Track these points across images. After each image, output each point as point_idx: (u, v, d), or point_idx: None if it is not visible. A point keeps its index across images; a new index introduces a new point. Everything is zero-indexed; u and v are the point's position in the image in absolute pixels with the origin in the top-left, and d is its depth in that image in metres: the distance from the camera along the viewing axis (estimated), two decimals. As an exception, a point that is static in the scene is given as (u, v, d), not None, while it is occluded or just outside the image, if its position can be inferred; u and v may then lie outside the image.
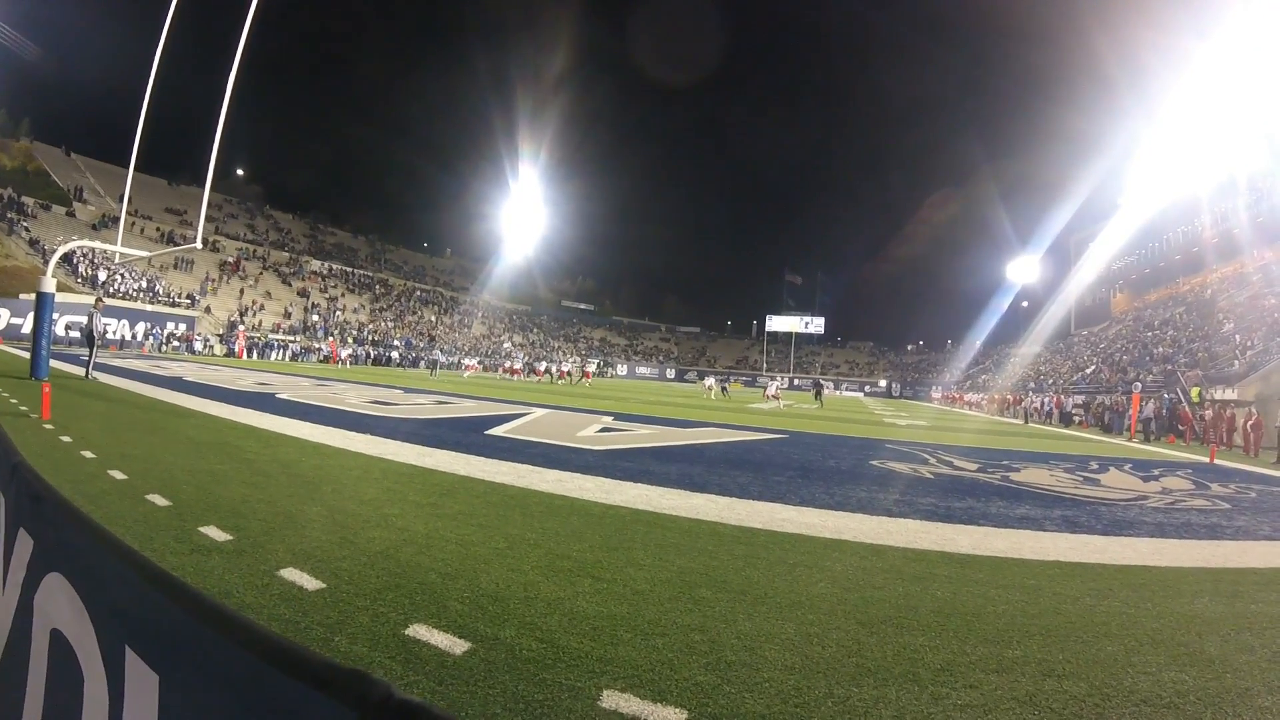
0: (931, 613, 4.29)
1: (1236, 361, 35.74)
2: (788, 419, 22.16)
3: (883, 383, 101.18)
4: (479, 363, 59.62)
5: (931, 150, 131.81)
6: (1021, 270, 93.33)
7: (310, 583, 3.91)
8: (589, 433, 13.29)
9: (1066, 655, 3.79)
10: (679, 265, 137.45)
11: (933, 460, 13.08)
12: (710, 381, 43.69)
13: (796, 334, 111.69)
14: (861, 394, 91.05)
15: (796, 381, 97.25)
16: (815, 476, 9.81)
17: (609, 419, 16.29)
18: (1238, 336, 39.79)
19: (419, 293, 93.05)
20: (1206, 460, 17.88)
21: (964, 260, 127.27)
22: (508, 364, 60.01)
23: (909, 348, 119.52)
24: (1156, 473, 13.83)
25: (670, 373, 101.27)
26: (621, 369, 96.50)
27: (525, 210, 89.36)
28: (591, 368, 47.33)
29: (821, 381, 31.64)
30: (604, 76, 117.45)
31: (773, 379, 47.18)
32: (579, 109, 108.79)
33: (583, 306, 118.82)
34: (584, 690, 2.84)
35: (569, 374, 46.03)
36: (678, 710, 2.71)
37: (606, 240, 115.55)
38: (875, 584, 4.82)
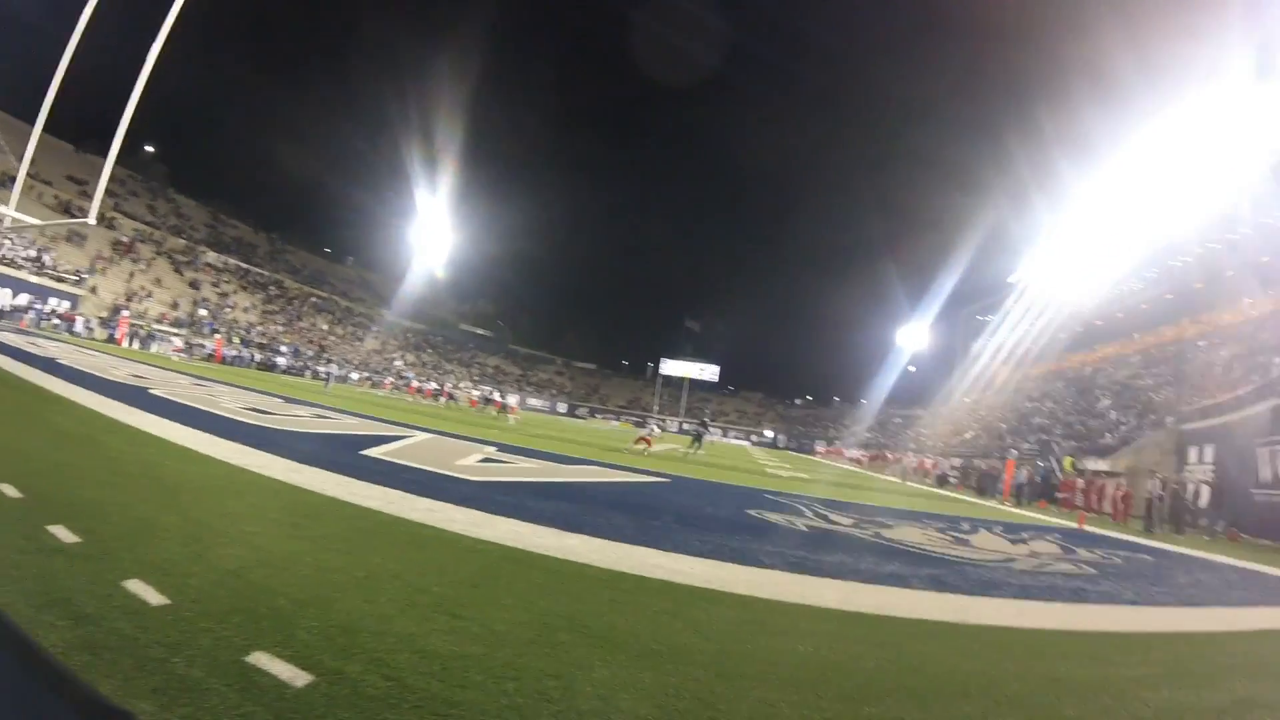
0: (792, 667, 4.31)
1: (1109, 435, 37.88)
2: (671, 463, 22.22)
3: (769, 433, 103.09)
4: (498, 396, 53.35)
5: (829, 217, 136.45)
6: (910, 336, 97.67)
7: (155, 597, 3.71)
8: (469, 462, 12.97)
9: (926, 715, 3.86)
10: (582, 300, 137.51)
11: (809, 513, 13.27)
12: (653, 427, 40.88)
13: (690, 379, 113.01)
14: (748, 443, 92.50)
15: (685, 426, 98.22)
16: (692, 523, 9.80)
17: (492, 449, 15.94)
18: (1113, 413, 42.39)
19: (314, 299, 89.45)
20: (1075, 526, 18.78)
21: (857, 321, 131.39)
22: (418, 384, 57.36)
23: (797, 401, 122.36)
24: (1025, 536, 14.46)
25: (562, 407, 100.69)
26: (512, 399, 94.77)
27: (432, 227, 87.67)
28: (514, 400, 44.53)
29: (708, 423, 30.68)
30: (517, 96, 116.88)
31: (651, 423, 46.62)
32: (489, 127, 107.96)
33: (480, 331, 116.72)
34: None
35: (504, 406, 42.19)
36: None
37: (511, 267, 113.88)
38: (738, 636, 4.82)
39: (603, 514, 9.30)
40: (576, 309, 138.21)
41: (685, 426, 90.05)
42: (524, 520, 7.71)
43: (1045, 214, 69.00)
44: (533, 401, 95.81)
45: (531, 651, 3.82)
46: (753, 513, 12.25)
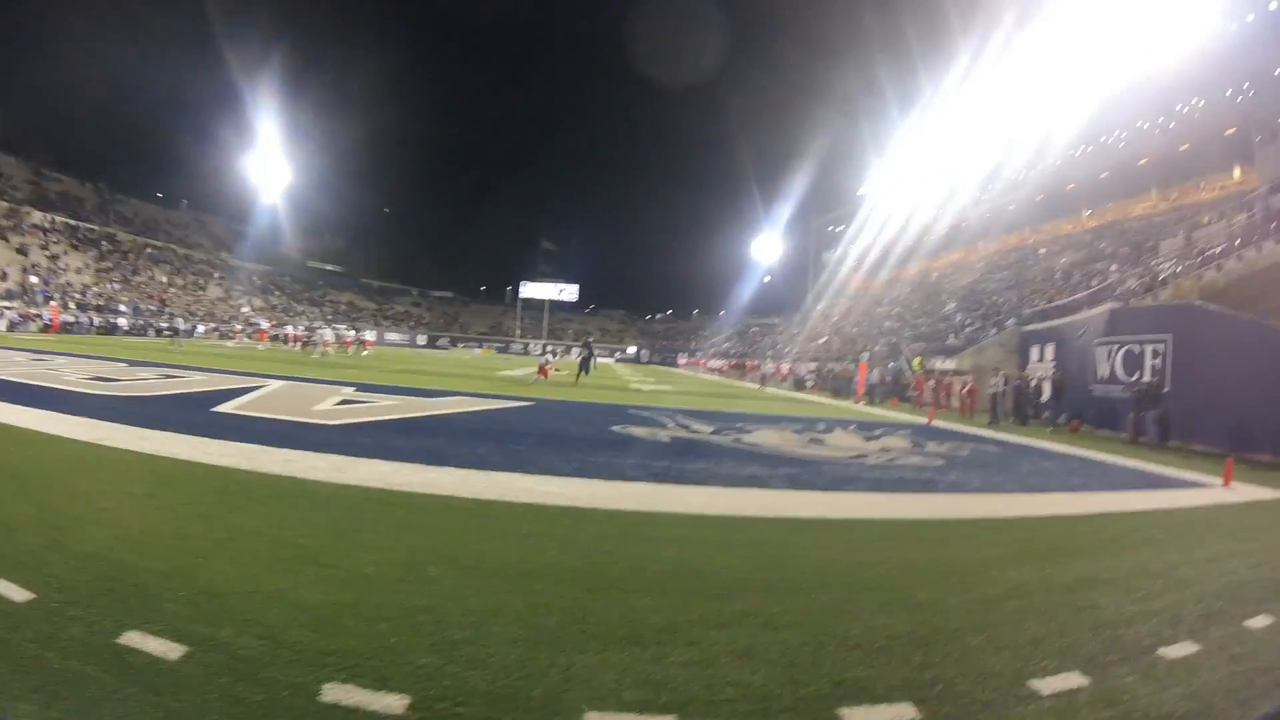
0: (659, 574, 4.40)
1: (954, 337, 39.96)
2: (537, 387, 22.09)
3: (632, 349, 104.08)
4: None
5: (680, 125, 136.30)
6: (765, 248, 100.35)
7: (19, 594, 3.47)
8: (326, 406, 12.42)
9: (785, 606, 3.98)
10: (433, 227, 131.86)
11: (671, 424, 13.48)
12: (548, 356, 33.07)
13: (550, 301, 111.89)
14: (612, 360, 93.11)
15: (549, 346, 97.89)
16: (556, 444, 9.83)
17: (350, 390, 15.34)
18: (959, 316, 44.73)
19: (150, 250, 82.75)
20: (925, 422, 19.69)
21: (712, 234, 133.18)
22: (270, 329, 53.90)
23: (658, 316, 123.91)
24: (878, 433, 15.13)
25: (421, 339, 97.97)
26: (369, 334, 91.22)
27: (268, 161, 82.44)
28: (370, 335, 41.16)
29: (592, 345, 29.50)
30: (348, 20, 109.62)
31: (548, 349, 45.26)
32: (319, 47, 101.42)
33: (330, 267, 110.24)
34: (304, 686, 2.72)
35: (329, 345, 39.14)
36: (400, 696, 2.66)
37: (358, 197, 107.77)
38: (605, 549, 4.89)
39: (466, 445, 9.16)
40: (428, 237, 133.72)
41: (574, 352, 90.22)
42: (387, 459, 7.48)
43: (893, 128, 72.82)
44: (391, 336, 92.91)
45: (402, 590, 3.81)
46: (617, 429, 12.33)
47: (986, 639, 3.79)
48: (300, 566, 4.08)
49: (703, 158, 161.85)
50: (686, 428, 13.14)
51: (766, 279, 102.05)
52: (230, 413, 10.85)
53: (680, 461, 9.01)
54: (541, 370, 25.88)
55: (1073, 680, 3.39)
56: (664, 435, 11.76)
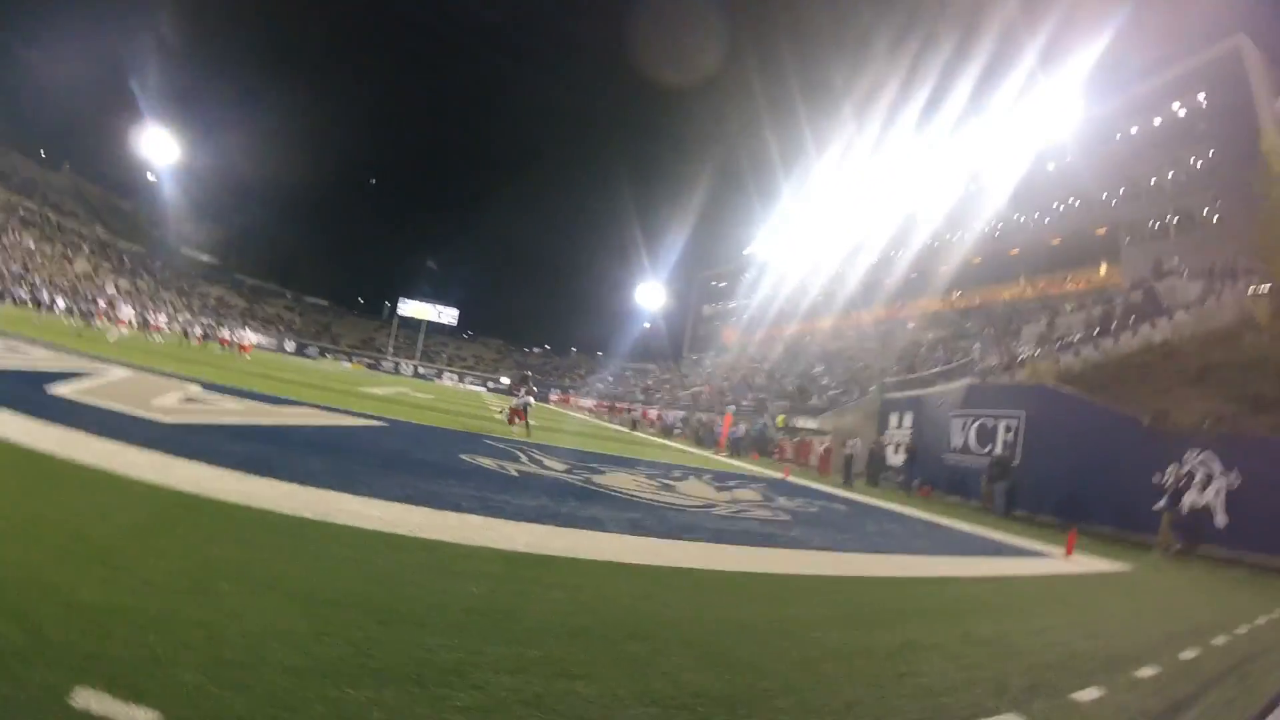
0: (462, 611, 4.12)
1: (817, 398, 41.20)
2: (398, 407, 21.36)
3: (505, 380, 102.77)
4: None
5: (575, 172, 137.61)
6: (647, 295, 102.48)
7: None
8: (168, 401, 11.54)
9: (590, 656, 3.75)
10: (317, 230, 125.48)
11: (524, 459, 13.11)
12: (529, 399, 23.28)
13: (428, 322, 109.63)
14: (484, 389, 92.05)
15: (421, 370, 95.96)
16: (397, 468, 9.30)
17: (197, 388, 14.36)
18: (825, 379, 45.87)
19: (23, 212, 76.48)
20: (781, 477, 19.82)
21: (598, 277, 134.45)
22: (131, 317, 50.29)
23: (535, 349, 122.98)
24: (731, 484, 15.17)
25: (290, 345, 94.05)
26: (251, 337, 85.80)
27: (157, 132, 78.35)
28: (252, 338, 37.82)
29: (532, 382, 23.73)
30: (259, 9, 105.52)
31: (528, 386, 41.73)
32: (220, 26, 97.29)
33: (205, 258, 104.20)
34: (57, 687, 2.49)
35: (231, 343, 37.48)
36: (150, 711, 2.43)
37: (245, 188, 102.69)
38: (412, 580, 4.57)
39: (300, 458, 8.57)
40: (312, 240, 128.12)
41: (421, 371, 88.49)
42: (210, 464, 6.90)
43: (781, 195, 77.10)
44: (256, 338, 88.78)
45: (186, 601, 3.51)
46: (466, 457, 11.90)
47: (798, 702, 3.61)
48: (88, 564, 3.79)
49: (593, 201, 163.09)
50: (539, 463, 12.80)
51: (646, 325, 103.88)
52: (65, 395, 10.05)
53: (520, 497, 8.65)
54: (515, 414, 20.49)
55: None
56: (513, 469, 11.38)
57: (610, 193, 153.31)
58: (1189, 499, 15.60)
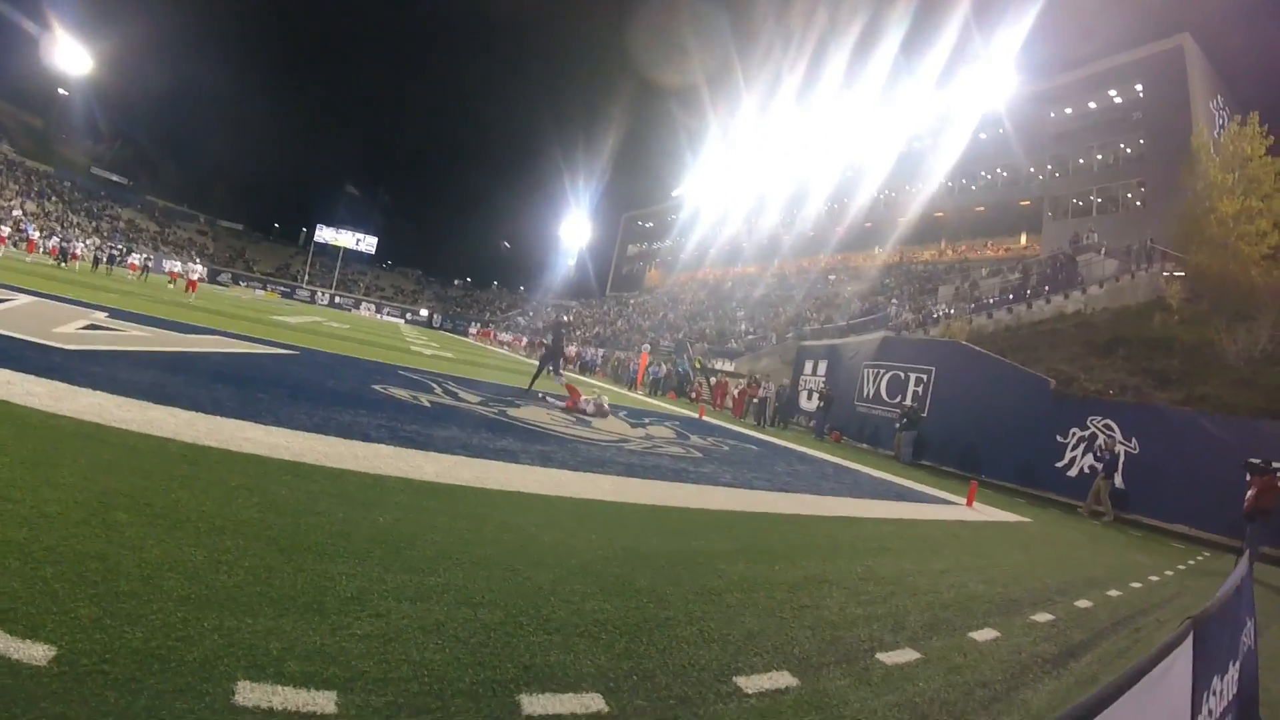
0: (365, 540, 4.05)
1: (735, 342, 41.63)
2: (311, 336, 20.76)
3: (424, 312, 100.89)
4: None
5: (501, 99, 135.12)
6: (573, 233, 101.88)
7: None
8: (69, 329, 10.92)
9: (492, 584, 3.72)
10: (235, 150, 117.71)
11: (439, 390, 12.93)
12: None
13: (346, 250, 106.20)
14: (403, 321, 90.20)
15: (338, 299, 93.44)
16: (306, 397, 8.96)
17: (103, 315, 13.66)
18: (744, 324, 46.24)
19: None
20: (696, 416, 20.01)
21: (523, 212, 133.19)
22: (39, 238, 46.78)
23: (456, 282, 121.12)
24: (646, 421, 15.31)
25: (202, 270, 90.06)
26: (137, 258, 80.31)
27: (68, 43, 73.26)
28: (197, 272, 32.33)
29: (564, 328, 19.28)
30: None
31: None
32: None
33: (115, 178, 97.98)
34: None
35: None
36: (47, 647, 2.38)
37: (158, 103, 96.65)
38: (316, 509, 4.44)
39: (206, 386, 8.19)
40: (228, 160, 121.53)
41: (339, 300, 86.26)
42: (111, 393, 6.56)
43: (712, 140, 77.47)
44: (170, 265, 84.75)
45: (81, 533, 3.37)
46: (378, 388, 11.61)
47: (698, 631, 3.66)
48: (-20, 500, 3.62)
49: (521, 134, 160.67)
50: (454, 395, 12.65)
51: (571, 263, 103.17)
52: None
53: (432, 428, 8.52)
54: (572, 394, 15.10)
55: (781, 679, 3.30)
56: (426, 400, 11.20)
57: (538, 126, 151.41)
58: (1087, 461, 16.26)
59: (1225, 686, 2.84)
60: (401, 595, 3.34)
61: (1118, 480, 15.28)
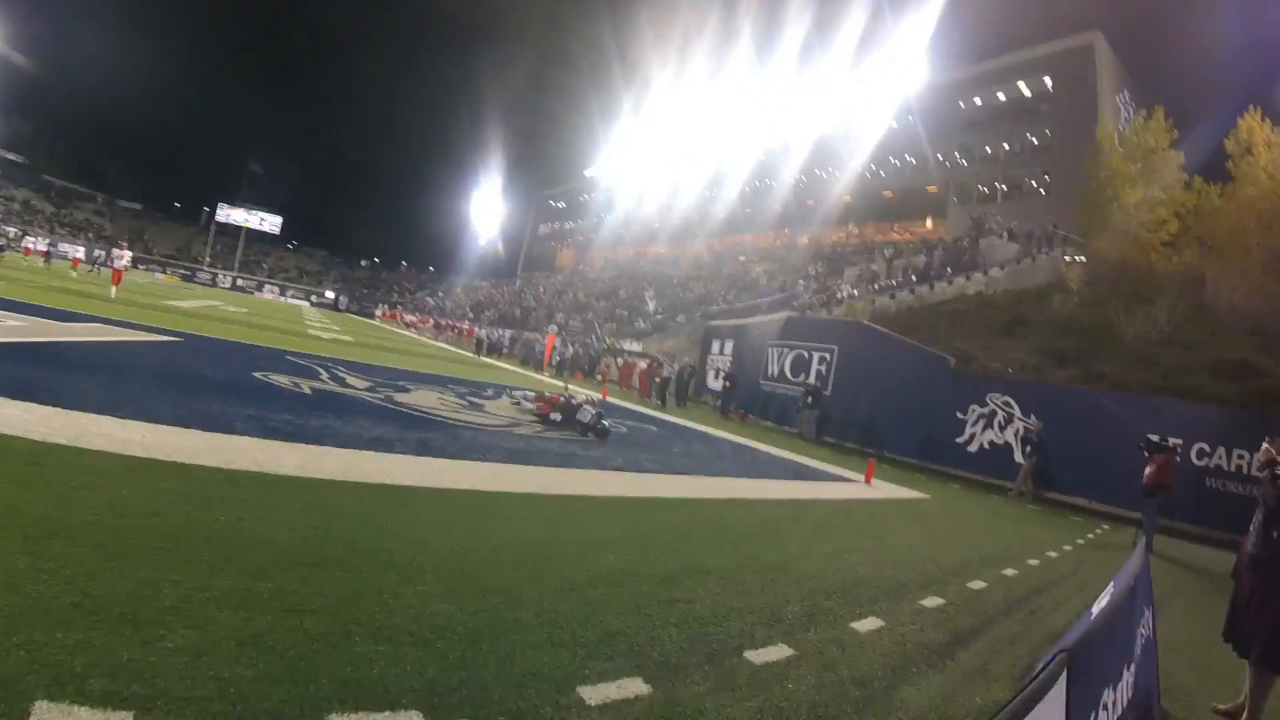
0: (201, 540, 3.76)
1: (643, 322, 41.83)
2: (201, 321, 19.81)
3: (330, 294, 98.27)
4: None
5: (411, 72, 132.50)
6: (484, 212, 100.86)
7: None
8: None
9: (326, 587, 3.46)
10: (134, 124, 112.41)
11: (325, 376, 12.44)
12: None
13: (249, 230, 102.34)
14: (307, 303, 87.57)
15: (240, 282, 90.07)
16: (176, 386, 8.43)
17: None
18: (652, 304, 46.41)
19: None
20: (599, 396, 19.81)
21: (433, 191, 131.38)
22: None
23: (363, 263, 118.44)
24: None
25: (98, 252, 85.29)
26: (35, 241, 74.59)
27: None
28: (124, 260, 27.63)
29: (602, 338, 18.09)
30: None
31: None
32: None
33: (11, 156, 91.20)
34: None
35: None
36: None
37: (52, 74, 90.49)
38: (157, 509, 4.12)
39: (70, 378, 7.62)
40: (126, 136, 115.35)
41: (240, 283, 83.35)
42: None
43: (622, 119, 77.35)
44: (66, 248, 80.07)
45: None
46: (259, 375, 11.07)
47: (549, 634, 3.43)
48: None
49: (427, 111, 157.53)
50: (340, 381, 12.17)
51: (481, 243, 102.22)
52: None
53: (306, 416, 8.10)
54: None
55: (632, 688, 3.08)
56: (307, 387, 10.70)
57: (446, 103, 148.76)
58: (987, 436, 16.62)
59: (1118, 696, 2.75)
60: (225, 603, 3.07)
61: (1016, 455, 15.67)
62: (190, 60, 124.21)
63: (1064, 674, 1.91)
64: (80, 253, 37.41)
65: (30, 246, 38.32)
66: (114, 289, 22.28)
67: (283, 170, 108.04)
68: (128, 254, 21.27)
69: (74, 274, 30.87)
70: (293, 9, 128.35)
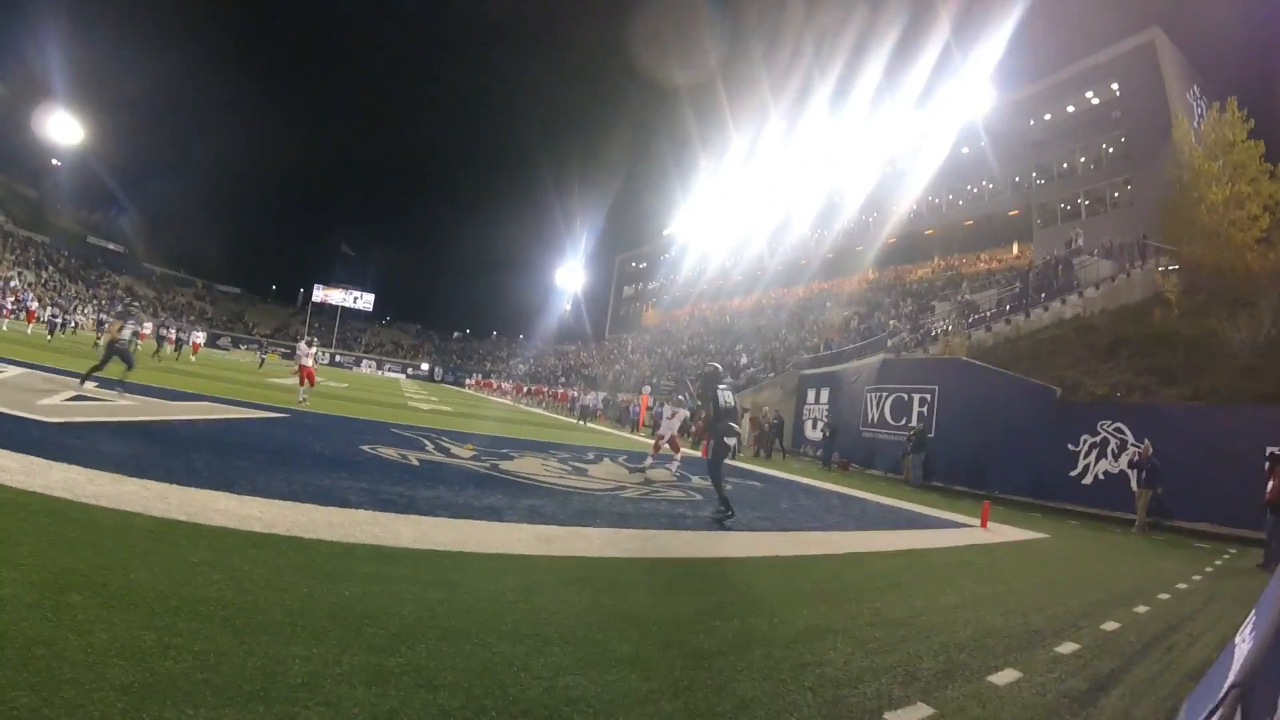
0: (326, 616, 3.74)
1: (732, 377, 41.81)
2: (310, 398, 20.47)
3: (425, 366, 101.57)
4: None
5: (496, 149, 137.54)
6: (568, 278, 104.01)
7: None
8: (54, 401, 10.67)
9: (457, 662, 3.41)
10: (229, 214, 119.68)
11: (430, 447, 12.64)
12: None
13: (343, 308, 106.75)
14: (404, 376, 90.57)
15: (338, 357, 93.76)
16: (288, 462, 8.69)
17: (92, 385, 13.36)
18: (744, 357, 46.24)
19: None
20: (699, 455, 19.64)
21: (519, 260, 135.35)
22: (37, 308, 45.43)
23: (455, 334, 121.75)
24: (646, 464, 14.69)
25: (201, 335, 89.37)
26: (200, 335, 77.02)
27: (61, 115, 74.55)
28: (200, 336, 30.18)
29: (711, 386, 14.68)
30: None
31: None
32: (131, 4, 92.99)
33: (112, 246, 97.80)
34: None
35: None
36: None
37: (151, 170, 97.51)
38: (279, 584, 4.15)
39: (185, 455, 7.91)
40: (222, 225, 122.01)
41: (339, 359, 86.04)
42: (85, 466, 6.31)
43: (700, 176, 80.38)
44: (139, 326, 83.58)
45: (31, 616, 3.18)
46: (367, 448, 11.31)
47: (684, 704, 3.31)
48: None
49: (514, 183, 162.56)
50: (445, 451, 12.34)
51: (567, 308, 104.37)
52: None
53: (417, 488, 8.21)
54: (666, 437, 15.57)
55: None
56: (415, 458, 10.89)
57: (530, 175, 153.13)
58: (1101, 467, 15.97)
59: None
60: (356, 679, 3.04)
61: (1133, 484, 14.98)
62: (282, 152, 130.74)
63: (1237, 713, 1.77)
64: (201, 337, 38.09)
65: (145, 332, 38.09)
66: (302, 390, 19.20)
67: (374, 250, 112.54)
68: (313, 350, 19.26)
69: (193, 360, 31.69)
70: (379, 99, 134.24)
